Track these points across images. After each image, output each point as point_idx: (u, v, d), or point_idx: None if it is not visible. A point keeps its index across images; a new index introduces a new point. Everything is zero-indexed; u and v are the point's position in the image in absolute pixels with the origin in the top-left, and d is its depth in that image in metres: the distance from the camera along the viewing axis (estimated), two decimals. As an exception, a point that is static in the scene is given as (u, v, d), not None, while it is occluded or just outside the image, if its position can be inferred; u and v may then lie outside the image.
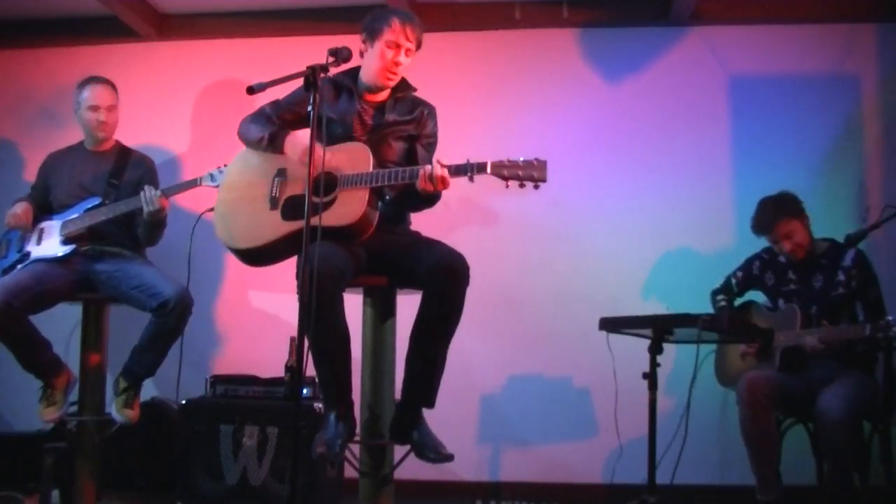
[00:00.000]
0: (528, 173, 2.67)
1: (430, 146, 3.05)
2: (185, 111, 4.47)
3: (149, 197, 3.39)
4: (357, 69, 3.00)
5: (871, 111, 4.12)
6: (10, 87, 4.61)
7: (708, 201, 4.13)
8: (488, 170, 2.67)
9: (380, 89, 2.98)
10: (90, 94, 3.64)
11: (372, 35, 2.94)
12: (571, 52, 4.30)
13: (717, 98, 4.21)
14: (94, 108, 3.63)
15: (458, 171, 2.70)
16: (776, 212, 3.42)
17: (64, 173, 3.68)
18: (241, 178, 3.02)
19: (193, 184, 3.42)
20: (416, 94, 3.07)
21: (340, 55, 2.79)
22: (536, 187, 2.68)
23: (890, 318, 2.99)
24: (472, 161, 2.68)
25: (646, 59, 4.25)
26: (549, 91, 4.28)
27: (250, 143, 3.04)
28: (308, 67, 2.57)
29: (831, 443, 3.12)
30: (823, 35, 4.17)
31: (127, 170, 3.68)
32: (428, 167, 2.70)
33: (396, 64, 2.90)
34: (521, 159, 2.67)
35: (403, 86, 3.04)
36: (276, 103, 3.06)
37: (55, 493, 3.38)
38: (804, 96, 4.14)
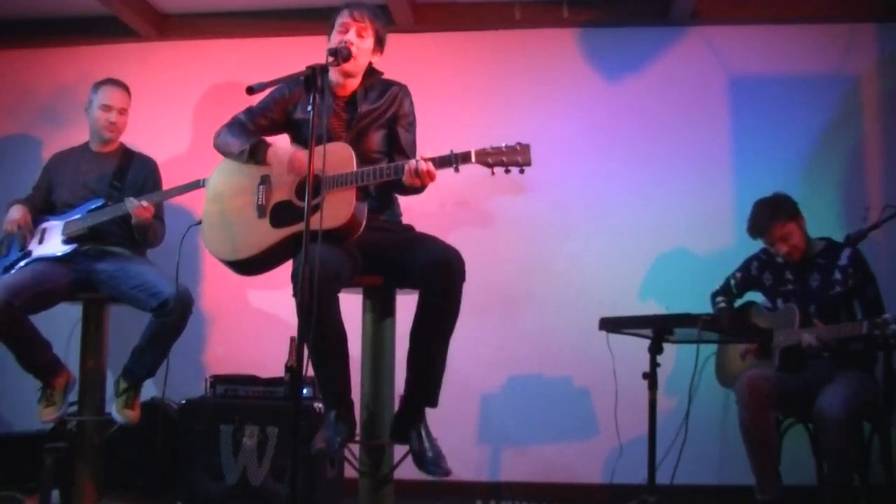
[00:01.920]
0: (513, 158, 2.65)
1: (410, 126, 3.02)
2: (185, 111, 4.47)
3: (132, 208, 3.41)
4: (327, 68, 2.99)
5: (870, 111, 4.13)
6: (11, 87, 4.62)
7: (708, 201, 4.13)
8: (472, 158, 2.65)
9: (345, 77, 2.95)
10: (104, 94, 3.66)
11: (330, 31, 2.98)
12: (571, 52, 4.30)
13: (717, 98, 4.21)
14: (107, 108, 3.66)
15: (442, 162, 2.68)
16: (771, 214, 3.42)
17: (68, 173, 3.69)
18: (224, 187, 2.99)
19: (196, 185, 3.42)
20: (385, 76, 3.04)
21: (340, 55, 2.80)
22: (522, 171, 2.67)
23: (888, 315, 2.99)
24: (455, 151, 2.67)
25: (646, 58, 4.25)
26: (549, 91, 4.28)
27: (230, 156, 3.01)
28: (308, 67, 2.57)
29: (831, 443, 3.12)
30: (823, 35, 4.17)
31: (130, 171, 3.70)
32: (413, 162, 2.69)
33: (349, 44, 2.86)
34: (504, 145, 2.66)
35: (370, 72, 3.02)
36: (249, 110, 3.05)
37: (55, 493, 3.38)
38: (804, 96, 4.14)
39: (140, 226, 3.49)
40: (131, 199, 3.44)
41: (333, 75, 2.95)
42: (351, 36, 2.89)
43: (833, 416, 3.06)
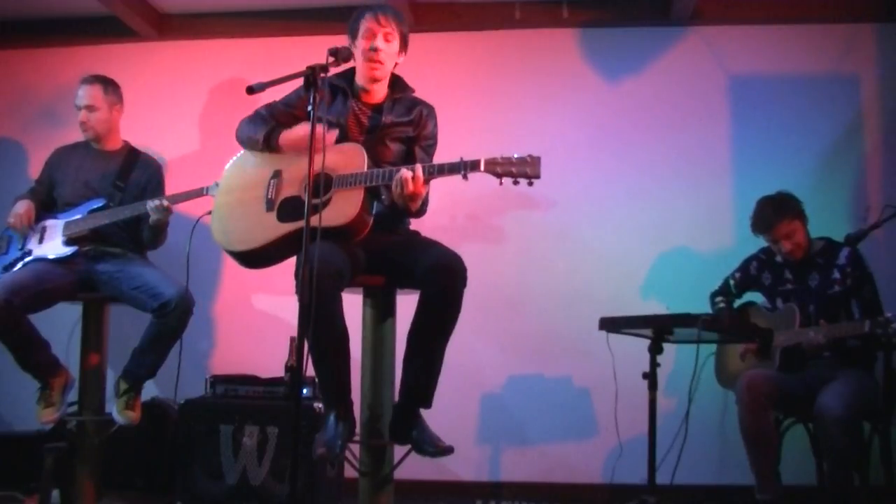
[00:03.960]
0: (522, 170, 2.65)
1: (430, 148, 3.03)
2: (186, 111, 4.47)
3: (154, 206, 3.41)
4: (352, 71, 3.01)
5: (870, 111, 4.13)
6: (10, 87, 4.61)
7: (707, 201, 4.13)
8: (482, 167, 2.65)
9: (373, 82, 2.96)
10: (77, 93, 3.66)
11: (353, 34, 2.97)
12: (571, 52, 4.30)
13: (717, 98, 4.21)
14: (77, 108, 3.65)
15: (451, 169, 2.68)
16: (777, 212, 3.42)
17: (70, 170, 3.68)
18: (237, 180, 3.01)
19: (199, 193, 3.42)
20: (415, 94, 3.06)
21: (340, 55, 2.79)
22: (530, 184, 2.67)
23: (889, 314, 2.99)
24: (465, 159, 2.67)
25: (646, 59, 4.25)
26: (549, 91, 4.28)
27: (248, 144, 3.03)
28: (308, 67, 2.57)
29: (831, 443, 3.12)
30: (823, 35, 4.17)
31: (134, 172, 3.68)
32: (405, 170, 2.68)
33: (376, 51, 2.88)
34: (515, 156, 2.66)
35: (401, 86, 3.03)
36: (271, 105, 3.06)
37: (55, 493, 3.38)
38: (804, 96, 4.14)
39: (158, 225, 3.47)
40: (154, 199, 3.45)
41: (360, 80, 2.96)
42: (379, 42, 2.89)
43: (833, 416, 3.06)
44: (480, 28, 4.34)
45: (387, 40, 2.92)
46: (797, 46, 4.19)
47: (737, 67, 4.22)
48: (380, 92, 3.00)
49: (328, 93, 2.97)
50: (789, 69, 4.19)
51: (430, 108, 3.05)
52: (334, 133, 2.87)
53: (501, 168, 2.65)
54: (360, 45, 2.91)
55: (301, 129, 2.89)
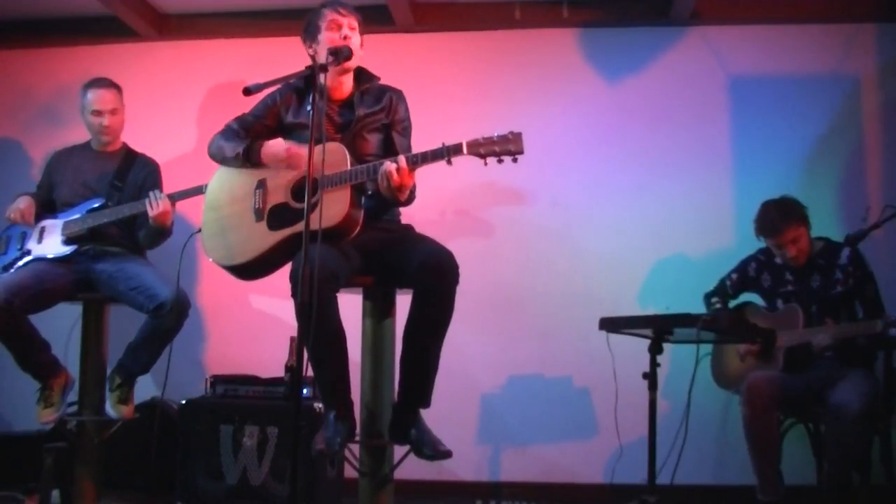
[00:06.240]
0: (505, 148, 2.63)
1: (405, 131, 3.02)
2: (185, 111, 4.47)
3: (154, 200, 3.40)
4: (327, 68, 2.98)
5: (870, 111, 4.13)
6: (10, 87, 4.61)
7: (707, 201, 4.13)
8: (464, 150, 2.64)
9: (341, 74, 2.94)
10: (93, 98, 3.65)
11: (312, 34, 2.95)
12: (571, 52, 4.30)
13: (717, 98, 4.21)
14: (98, 113, 3.64)
15: (434, 155, 2.66)
16: (783, 218, 3.41)
17: (68, 172, 3.69)
18: (222, 195, 3.00)
19: (199, 191, 3.42)
20: (381, 82, 3.04)
21: (342, 54, 2.80)
22: (515, 160, 2.65)
23: None
24: (447, 144, 2.65)
25: (646, 59, 4.25)
26: (549, 91, 4.28)
27: (226, 161, 3.02)
28: (308, 67, 2.57)
29: (843, 436, 3.10)
30: (823, 35, 4.17)
31: (132, 172, 3.69)
32: (388, 164, 2.66)
33: (346, 39, 2.86)
34: (496, 135, 2.64)
35: (367, 77, 3.02)
36: (241, 118, 3.05)
37: (55, 493, 3.38)
38: (804, 96, 4.14)
39: (157, 224, 3.44)
40: (156, 191, 3.44)
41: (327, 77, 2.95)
42: (346, 32, 2.89)
43: (852, 412, 3.05)
44: (480, 28, 4.34)
45: (352, 30, 2.91)
46: (797, 46, 4.19)
47: (737, 67, 4.22)
48: (346, 87, 2.98)
49: (295, 97, 2.98)
50: (789, 69, 4.19)
51: (399, 92, 3.03)
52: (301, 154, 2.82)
53: (484, 149, 2.64)
54: (325, 39, 2.89)
55: (278, 145, 2.87)
